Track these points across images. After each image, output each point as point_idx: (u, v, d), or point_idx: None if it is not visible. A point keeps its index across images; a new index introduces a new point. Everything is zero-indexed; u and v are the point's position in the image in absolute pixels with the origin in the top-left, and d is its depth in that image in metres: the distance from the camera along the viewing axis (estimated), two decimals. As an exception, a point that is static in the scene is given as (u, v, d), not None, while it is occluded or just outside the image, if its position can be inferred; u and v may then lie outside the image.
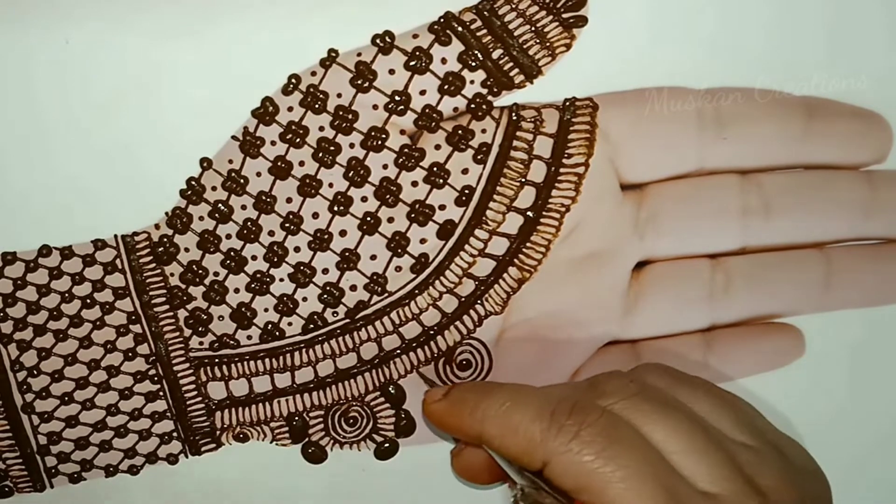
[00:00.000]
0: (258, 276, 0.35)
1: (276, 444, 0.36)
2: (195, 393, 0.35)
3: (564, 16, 0.34)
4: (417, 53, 0.33)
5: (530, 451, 0.29)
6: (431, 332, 0.36)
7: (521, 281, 0.35)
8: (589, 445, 0.28)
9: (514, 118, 0.34)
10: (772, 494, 0.28)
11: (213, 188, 0.34)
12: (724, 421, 0.30)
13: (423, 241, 0.35)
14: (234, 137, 0.34)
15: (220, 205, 0.34)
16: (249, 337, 0.35)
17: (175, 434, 0.36)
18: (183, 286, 0.35)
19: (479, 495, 0.37)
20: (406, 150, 0.34)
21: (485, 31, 0.33)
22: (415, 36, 0.33)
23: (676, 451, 0.29)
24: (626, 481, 0.28)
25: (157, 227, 0.34)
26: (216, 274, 0.35)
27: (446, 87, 0.34)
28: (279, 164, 0.34)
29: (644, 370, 0.33)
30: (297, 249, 0.35)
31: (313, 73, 0.33)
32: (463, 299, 0.35)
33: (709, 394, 0.31)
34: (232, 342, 0.35)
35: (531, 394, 0.31)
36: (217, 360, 0.35)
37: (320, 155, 0.34)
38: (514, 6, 0.33)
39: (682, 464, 0.28)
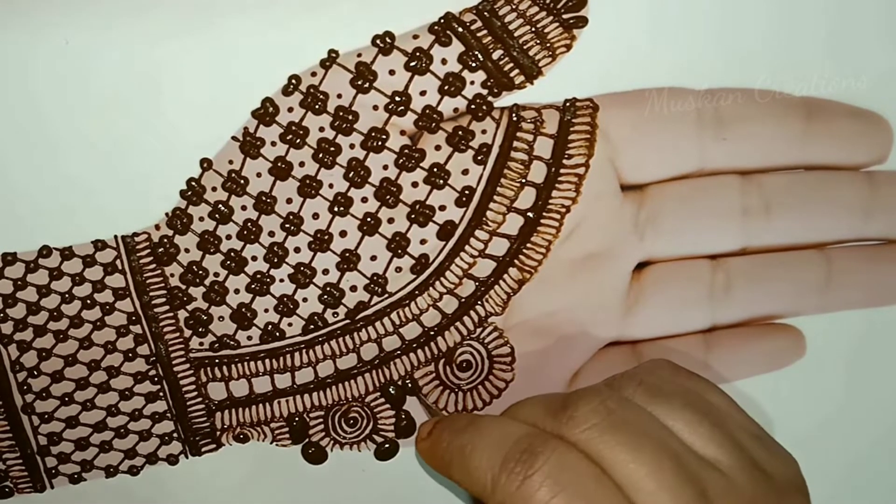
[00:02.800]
0: (258, 276, 0.35)
1: (276, 445, 0.36)
2: (195, 393, 0.35)
3: (564, 16, 0.34)
4: (418, 54, 0.33)
5: (486, 498, 0.29)
6: (432, 333, 0.36)
7: (521, 282, 0.35)
8: (538, 492, 0.27)
9: (515, 119, 0.34)
10: None
11: (214, 189, 0.34)
12: (697, 438, 0.29)
13: (423, 241, 0.35)
14: (234, 138, 0.34)
15: (220, 205, 0.34)
16: (249, 337, 0.35)
17: (175, 435, 0.36)
18: (183, 287, 0.35)
19: (480, 496, 0.37)
20: (406, 150, 0.34)
21: (485, 31, 0.33)
22: (415, 37, 0.33)
23: (641, 490, 0.27)
24: None
25: (157, 227, 0.34)
26: (216, 274, 0.35)
27: (446, 87, 0.34)
28: (279, 164, 0.34)
29: (621, 380, 0.31)
30: (297, 250, 0.35)
31: (313, 74, 0.33)
32: (463, 300, 0.35)
33: (686, 407, 0.30)
34: (232, 343, 0.35)
35: (492, 434, 0.30)
36: (217, 361, 0.35)
37: (320, 156, 0.34)
38: (514, 7, 0.33)
39: (647, 501, 0.27)
